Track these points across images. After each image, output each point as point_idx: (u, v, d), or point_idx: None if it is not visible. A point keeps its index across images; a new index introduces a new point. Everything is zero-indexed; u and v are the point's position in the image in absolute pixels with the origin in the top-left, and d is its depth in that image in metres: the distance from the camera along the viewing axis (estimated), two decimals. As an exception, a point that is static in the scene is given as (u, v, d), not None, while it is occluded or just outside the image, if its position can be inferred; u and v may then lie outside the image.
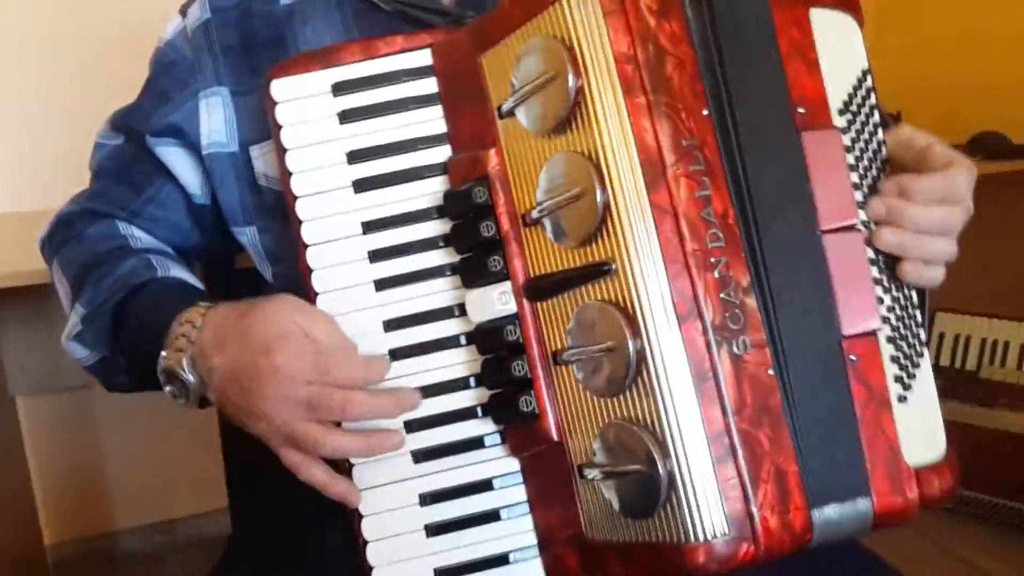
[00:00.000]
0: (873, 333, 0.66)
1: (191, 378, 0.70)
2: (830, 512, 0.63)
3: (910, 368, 0.67)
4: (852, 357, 0.65)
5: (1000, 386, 1.99)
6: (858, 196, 0.68)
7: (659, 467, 0.61)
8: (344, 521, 0.71)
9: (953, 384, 2.00)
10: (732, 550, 0.60)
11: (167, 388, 0.72)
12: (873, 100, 0.69)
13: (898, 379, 0.67)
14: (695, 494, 0.60)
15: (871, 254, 0.68)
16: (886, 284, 0.68)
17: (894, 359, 0.67)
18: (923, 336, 0.69)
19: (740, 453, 0.61)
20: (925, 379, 0.68)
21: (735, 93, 0.64)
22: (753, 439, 0.61)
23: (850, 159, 0.67)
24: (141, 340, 0.74)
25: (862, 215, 0.67)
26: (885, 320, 0.67)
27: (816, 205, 0.65)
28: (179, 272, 0.82)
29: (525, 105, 0.66)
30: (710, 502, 0.60)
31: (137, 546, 1.92)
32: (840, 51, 0.68)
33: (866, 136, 0.68)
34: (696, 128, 0.63)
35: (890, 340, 0.67)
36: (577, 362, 0.65)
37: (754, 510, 0.60)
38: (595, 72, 0.62)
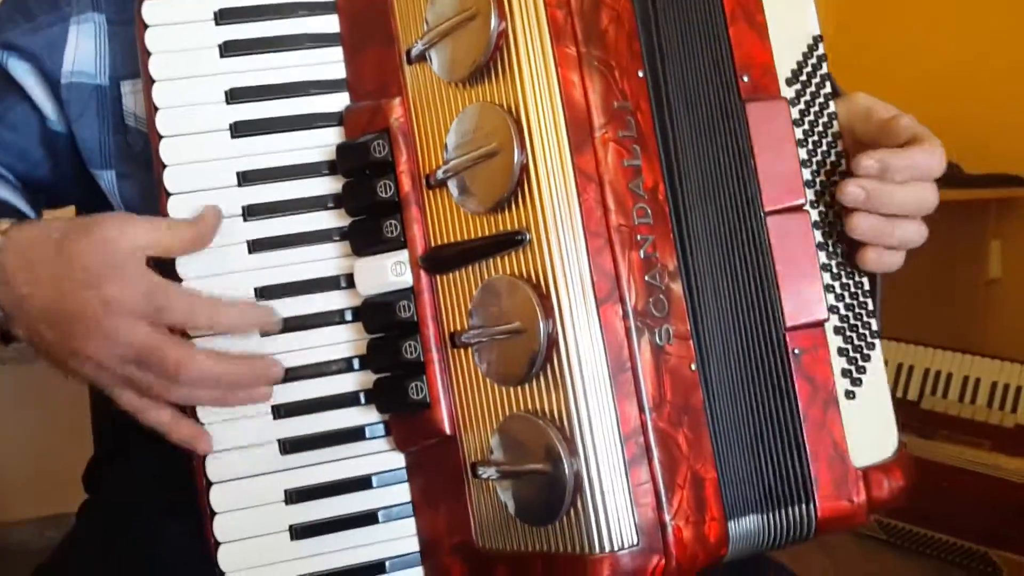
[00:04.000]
0: (820, 324, 0.61)
1: None
2: (749, 524, 0.58)
3: (859, 361, 0.62)
4: (796, 351, 0.60)
5: (941, 417, 1.98)
6: (806, 174, 0.62)
7: (565, 467, 0.53)
8: (193, 517, 0.62)
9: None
10: (641, 563, 0.54)
11: None
12: (824, 69, 0.63)
13: (846, 373, 0.62)
14: (603, 498, 0.53)
15: (819, 237, 0.62)
16: (835, 270, 0.63)
17: (842, 352, 0.62)
18: (875, 326, 0.64)
19: (656, 455, 0.54)
20: (876, 371, 0.63)
21: (669, 55, 0.58)
22: (671, 440, 0.55)
23: (799, 133, 0.62)
24: None
25: (810, 194, 0.62)
26: (833, 310, 0.62)
27: (759, 183, 0.60)
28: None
29: (438, 48, 0.58)
30: (619, 508, 0.54)
31: (27, 539, 1.79)
32: (789, 15, 0.62)
33: (816, 108, 0.63)
34: (630, 90, 0.56)
35: (838, 331, 0.62)
36: (478, 345, 0.57)
37: (667, 519, 0.54)
38: (522, 14, 0.55)
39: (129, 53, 0.70)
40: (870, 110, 0.64)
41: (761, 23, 0.61)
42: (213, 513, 0.61)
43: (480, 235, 0.57)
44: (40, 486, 1.78)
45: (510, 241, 0.55)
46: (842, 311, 0.62)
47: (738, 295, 0.59)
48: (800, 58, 0.63)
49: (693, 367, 0.56)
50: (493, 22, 0.55)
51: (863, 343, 0.63)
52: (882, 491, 0.61)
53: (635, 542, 0.54)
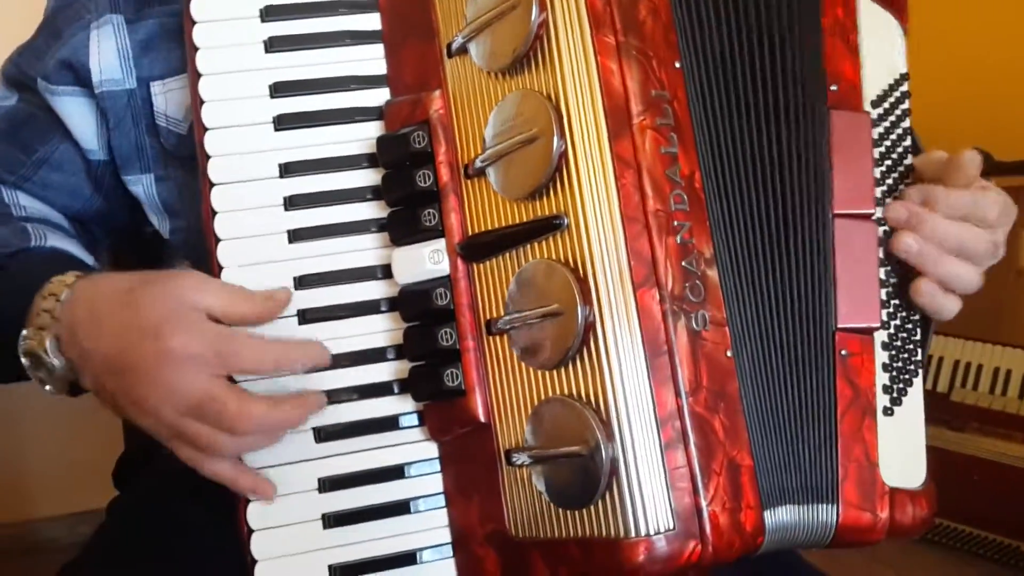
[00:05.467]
0: (870, 332, 0.61)
1: (56, 362, 0.60)
2: (784, 515, 0.57)
3: (901, 383, 0.62)
4: (843, 352, 0.60)
5: (971, 409, 1.93)
6: (877, 193, 0.63)
7: (601, 450, 0.53)
8: (223, 513, 0.62)
9: (922, 405, 1.94)
10: (677, 548, 0.53)
11: (33, 375, 0.61)
12: (906, 105, 0.65)
13: (887, 390, 0.62)
14: (639, 482, 0.53)
15: (881, 254, 0.63)
16: (892, 290, 0.63)
17: (887, 368, 0.62)
18: (920, 356, 0.64)
19: (692, 439, 0.54)
20: (915, 401, 0.63)
21: (713, 51, 0.60)
22: (707, 425, 0.55)
23: (875, 154, 0.64)
24: (3, 319, 0.64)
25: (878, 213, 0.63)
26: (884, 325, 0.62)
27: (833, 185, 0.61)
28: (58, 242, 0.72)
29: (479, 39, 0.59)
30: (655, 492, 0.53)
31: (58, 535, 1.82)
32: (881, 48, 0.65)
33: (894, 137, 0.65)
34: (667, 79, 0.57)
35: (886, 347, 0.62)
36: (514, 330, 0.58)
37: (703, 504, 0.54)
38: (562, 3, 0.56)
39: (157, 51, 0.71)
40: (938, 154, 0.66)
41: (854, 43, 0.64)
42: (247, 500, 0.61)
43: (518, 221, 0.58)
44: (71, 483, 1.80)
45: (548, 225, 0.56)
46: (892, 329, 0.63)
47: (785, 288, 0.59)
48: (886, 87, 0.65)
49: (729, 354, 0.56)
50: (534, 12, 0.56)
51: (908, 366, 0.63)
52: (905, 515, 0.60)
53: (671, 526, 0.53)
